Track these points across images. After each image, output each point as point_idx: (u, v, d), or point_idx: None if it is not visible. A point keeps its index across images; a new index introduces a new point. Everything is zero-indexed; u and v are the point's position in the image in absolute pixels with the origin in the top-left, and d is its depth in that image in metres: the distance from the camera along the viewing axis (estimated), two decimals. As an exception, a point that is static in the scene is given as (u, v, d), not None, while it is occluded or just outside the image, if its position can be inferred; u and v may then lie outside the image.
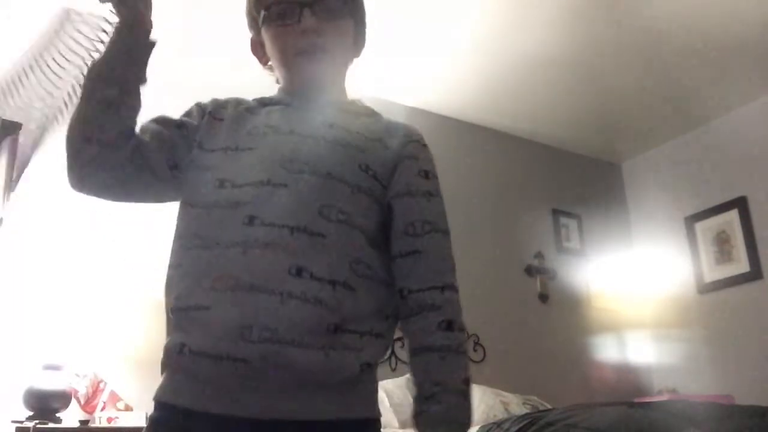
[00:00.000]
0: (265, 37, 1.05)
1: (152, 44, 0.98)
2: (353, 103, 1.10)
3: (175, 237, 0.97)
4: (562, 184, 4.22)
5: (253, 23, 1.08)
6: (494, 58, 3.37)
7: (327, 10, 1.01)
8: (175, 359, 0.89)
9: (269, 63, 1.09)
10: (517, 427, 1.90)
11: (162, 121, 1.03)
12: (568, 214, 4.13)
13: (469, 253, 3.65)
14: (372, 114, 1.08)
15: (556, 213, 4.09)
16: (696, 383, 3.67)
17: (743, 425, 1.54)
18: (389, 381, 2.80)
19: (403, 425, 2.56)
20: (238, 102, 1.07)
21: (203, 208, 0.94)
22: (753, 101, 3.79)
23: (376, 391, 0.96)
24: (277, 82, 1.11)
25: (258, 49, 1.09)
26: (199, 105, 1.07)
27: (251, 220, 0.89)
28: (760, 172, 3.70)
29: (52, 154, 2.70)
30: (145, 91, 1.00)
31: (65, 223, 2.62)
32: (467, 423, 0.91)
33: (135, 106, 0.98)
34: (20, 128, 2.62)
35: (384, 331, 0.96)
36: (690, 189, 4.04)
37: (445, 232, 0.99)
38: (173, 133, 1.02)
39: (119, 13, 0.94)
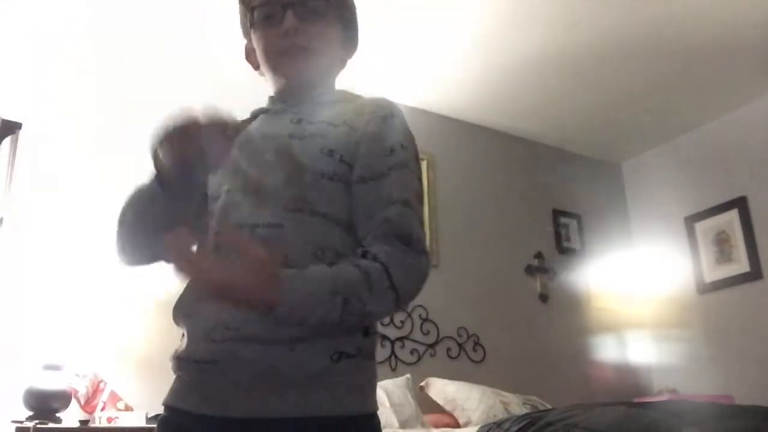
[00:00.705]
0: (254, 40, 1.06)
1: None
2: (336, 94, 1.08)
3: None
4: (562, 184, 4.22)
5: (244, 28, 1.09)
6: (494, 58, 3.37)
7: (309, 11, 1.01)
8: (174, 364, 0.94)
9: (259, 69, 1.09)
10: (517, 427, 1.90)
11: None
12: (568, 214, 4.13)
13: (469, 253, 3.65)
14: (350, 100, 1.06)
15: (556, 213, 4.09)
16: (696, 383, 3.67)
17: (743, 425, 1.54)
18: (389, 381, 2.80)
19: (402, 425, 2.56)
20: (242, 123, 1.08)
21: (201, 224, 0.99)
22: (753, 101, 3.79)
23: (367, 383, 0.90)
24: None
25: (251, 55, 1.10)
26: None
27: (219, 226, 0.94)
28: (760, 172, 3.70)
29: (52, 154, 2.70)
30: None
31: (65, 223, 2.62)
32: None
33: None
34: (20, 128, 2.62)
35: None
36: (690, 189, 4.04)
37: (403, 203, 0.91)
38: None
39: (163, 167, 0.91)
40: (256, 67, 1.10)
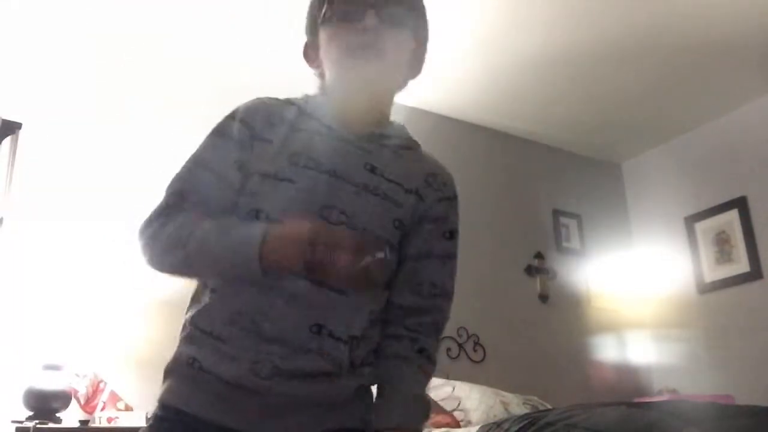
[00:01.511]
0: (323, 36, 1.02)
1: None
2: (394, 130, 1.07)
3: None
4: (562, 184, 4.22)
5: (312, 24, 1.05)
6: (494, 58, 3.37)
7: (391, 16, 0.99)
8: (184, 370, 0.92)
9: (319, 68, 1.06)
10: (517, 427, 1.89)
11: (226, 182, 0.97)
12: (568, 214, 4.13)
13: (469, 253, 3.63)
14: (411, 147, 1.08)
15: (556, 213, 4.09)
16: (696, 383, 3.67)
17: (743, 425, 1.54)
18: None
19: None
20: (281, 115, 1.01)
21: None
22: (753, 101, 3.79)
23: (370, 407, 1.00)
24: (321, 90, 1.07)
25: (310, 52, 1.07)
26: (244, 123, 0.99)
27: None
28: (760, 172, 3.69)
29: (52, 154, 2.70)
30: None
31: (65, 223, 2.62)
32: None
33: None
34: (20, 128, 2.62)
35: (374, 359, 1.01)
36: (690, 189, 4.04)
37: (449, 296, 1.05)
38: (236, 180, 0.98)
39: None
40: (315, 65, 1.06)
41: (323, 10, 1.01)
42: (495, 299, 3.62)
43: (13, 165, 2.58)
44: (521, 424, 1.89)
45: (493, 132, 4.07)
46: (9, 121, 2.60)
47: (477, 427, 2.21)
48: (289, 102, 1.04)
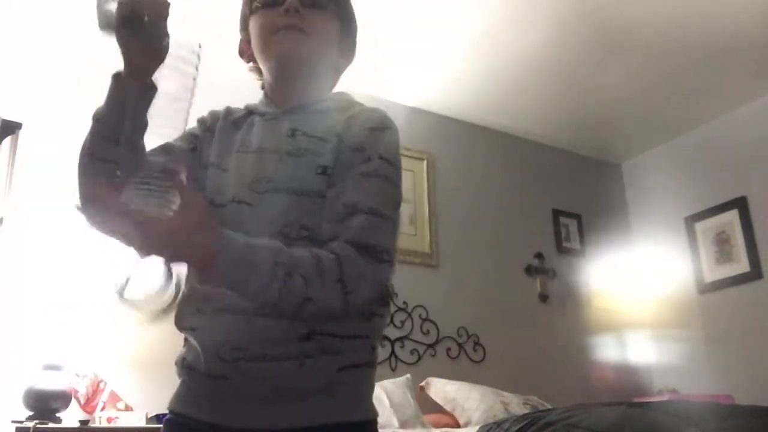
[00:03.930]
0: (251, 26, 1.04)
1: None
2: (332, 100, 1.06)
3: None
4: (562, 184, 4.22)
5: (244, 19, 1.08)
6: (494, 58, 3.37)
7: (313, 2, 1.01)
8: (178, 371, 0.95)
9: (250, 60, 1.08)
10: (517, 427, 1.90)
11: (180, 149, 1.02)
12: (568, 214, 4.13)
13: (469, 253, 3.65)
14: (344, 108, 1.03)
15: (556, 213, 4.10)
16: (696, 383, 3.67)
17: (743, 425, 1.54)
18: (389, 381, 2.80)
19: (403, 425, 2.56)
20: (228, 113, 1.08)
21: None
22: (753, 101, 3.79)
23: (367, 393, 0.93)
24: (262, 87, 1.10)
25: (244, 47, 1.09)
26: (201, 121, 1.08)
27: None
28: (760, 172, 3.70)
29: (52, 154, 2.70)
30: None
31: (65, 223, 2.62)
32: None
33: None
34: (20, 128, 2.62)
35: (369, 332, 0.92)
36: (690, 189, 4.04)
37: (368, 212, 0.88)
38: (189, 158, 1.03)
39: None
40: (249, 58, 1.09)
41: (251, 2, 1.05)
42: (495, 299, 3.62)
43: (13, 165, 2.58)
44: (521, 424, 1.89)
45: (493, 132, 4.07)
46: (9, 121, 2.60)
47: (477, 427, 2.21)
48: (245, 106, 1.09)
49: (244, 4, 1.08)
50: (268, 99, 1.07)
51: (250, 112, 1.06)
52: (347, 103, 1.05)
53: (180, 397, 0.94)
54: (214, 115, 1.08)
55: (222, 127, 1.05)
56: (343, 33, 1.08)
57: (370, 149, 0.93)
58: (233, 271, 0.77)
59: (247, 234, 0.82)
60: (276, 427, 0.86)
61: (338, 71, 1.11)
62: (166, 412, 0.97)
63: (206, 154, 1.03)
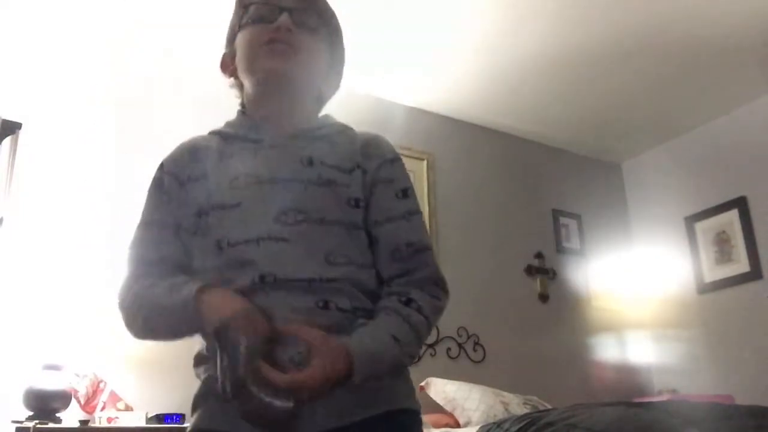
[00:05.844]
0: (239, 41, 1.04)
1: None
2: (323, 124, 1.06)
3: None
4: (562, 184, 4.22)
5: (231, 33, 1.08)
6: (494, 58, 3.37)
7: (304, 22, 1.02)
8: (202, 387, 0.98)
9: (233, 74, 1.07)
10: (517, 427, 1.90)
11: (169, 243, 1.00)
12: (568, 214, 4.13)
13: (469, 253, 3.65)
14: (343, 131, 1.05)
15: (556, 213, 4.09)
16: (696, 383, 3.68)
17: (743, 425, 1.54)
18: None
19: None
20: (194, 149, 1.03)
21: (211, 271, 0.94)
22: (753, 101, 3.79)
23: (408, 386, 0.99)
24: (241, 106, 1.08)
25: (227, 61, 1.08)
26: (170, 175, 1.02)
27: (262, 279, 0.90)
28: (760, 172, 3.70)
29: (52, 154, 2.70)
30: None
31: (65, 223, 2.62)
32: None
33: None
34: (20, 128, 2.63)
35: None
36: (690, 189, 4.04)
37: (428, 248, 1.01)
38: (182, 238, 1.00)
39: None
40: (231, 73, 1.08)
41: (241, 18, 1.05)
42: (495, 299, 3.62)
43: (13, 165, 2.58)
44: (521, 424, 1.89)
45: (493, 132, 4.07)
46: (9, 121, 2.60)
47: (477, 427, 2.21)
48: (211, 133, 1.06)
49: (234, 18, 1.07)
50: (246, 119, 1.05)
51: (226, 138, 1.03)
52: (341, 126, 1.07)
53: (205, 415, 0.93)
54: (175, 163, 1.02)
55: (213, 164, 1.00)
56: (331, 61, 1.09)
57: (399, 183, 1.03)
58: (371, 371, 0.87)
59: (286, 268, 0.89)
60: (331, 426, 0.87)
61: (321, 102, 1.11)
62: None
63: (200, 201, 0.97)
